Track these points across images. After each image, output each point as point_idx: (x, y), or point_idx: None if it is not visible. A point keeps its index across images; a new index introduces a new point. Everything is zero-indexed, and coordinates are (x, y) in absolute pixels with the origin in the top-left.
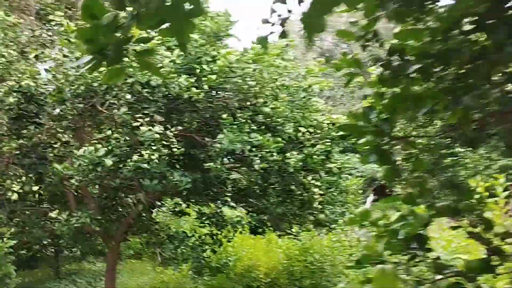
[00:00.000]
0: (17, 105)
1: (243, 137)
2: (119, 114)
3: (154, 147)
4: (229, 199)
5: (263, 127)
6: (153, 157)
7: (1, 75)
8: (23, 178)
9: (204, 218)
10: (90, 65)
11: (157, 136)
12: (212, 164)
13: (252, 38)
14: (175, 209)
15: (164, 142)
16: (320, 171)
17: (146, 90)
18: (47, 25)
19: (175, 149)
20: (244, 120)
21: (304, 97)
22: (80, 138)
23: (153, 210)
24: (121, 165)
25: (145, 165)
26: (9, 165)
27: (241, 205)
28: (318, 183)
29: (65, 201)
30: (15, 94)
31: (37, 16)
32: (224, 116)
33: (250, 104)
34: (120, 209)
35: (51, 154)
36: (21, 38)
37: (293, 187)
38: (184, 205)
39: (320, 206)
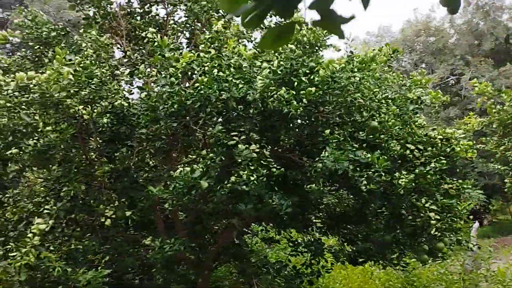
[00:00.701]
0: (110, 127)
1: (349, 155)
2: (213, 132)
3: (252, 167)
4: (322, 225)
5: (364, 144)
6: (251, 178)
7: (94, 97)
8: (116, 203)
9: (299, 246)
10: (250, 16)
11: (255, 155)
12: (313, 186)
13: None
14: (264, 236)
15: (262, 162)
16: (435, 193)
17: (240, 106)
18: (137, 44)
19: (274, 170)
20: (345, 137)
21: (412, 110)
22: (171, 160)
23: (245, 237)
24: (216, 187)
25: (244, 187)
26: (102, 190)
27: (335, 231)
28: (434, 207)
29: (154, 227)
30: (108, 115)
31: (127, 37)
32: (327, 132)
33: (353, 119)
34: (211, 236)
35: (143, 177)
36: (113, 58)
37: (403, 211)
38: (273, 232)
39: (438, 233)
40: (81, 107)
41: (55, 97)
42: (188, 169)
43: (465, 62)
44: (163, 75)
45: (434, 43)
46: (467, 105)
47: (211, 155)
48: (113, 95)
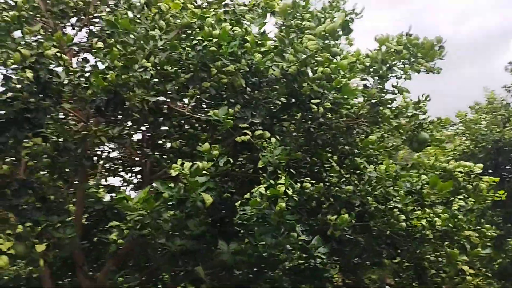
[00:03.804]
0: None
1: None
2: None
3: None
4: None
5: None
6: (289, 192)
7: None
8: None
9: None
10: None
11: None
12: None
13: None
14: None
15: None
16: (463, 240)
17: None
18: None
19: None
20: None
21: None
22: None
23: None
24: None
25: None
26: None
27: None
28: (465, 257)
29: None
30: None
31: None
32: None
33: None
34: None
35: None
36: None
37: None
38: None
39: None
40: None
41: None
42: (187, 164)
43: None
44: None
45: None
46: None
47: (215, 152)
48: None
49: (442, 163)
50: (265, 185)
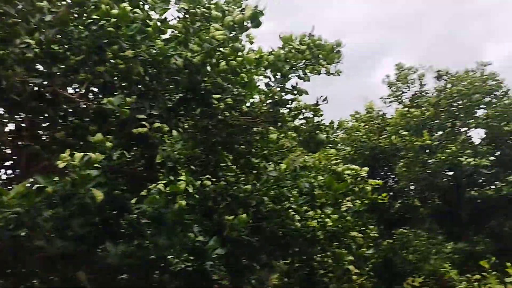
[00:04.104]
0: None
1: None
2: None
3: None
4: None
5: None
6: (190, 190)
7: None
8: None
9: None
10: None
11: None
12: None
13: None
14: None
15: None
16: (349, 241)
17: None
18: None
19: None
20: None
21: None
22: None
23: None
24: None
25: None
26: None
27: None
28: (351, 257)
29: None
30: None
31: None
32: None
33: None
34: None
35: None
36: None
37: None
38: None
39: None
40: None
41: None
42: (78, 155)
43: None
44: None
45: None
46: None
47: (108, 143)
48: None
49: (332, 165)
50: (164, 182)
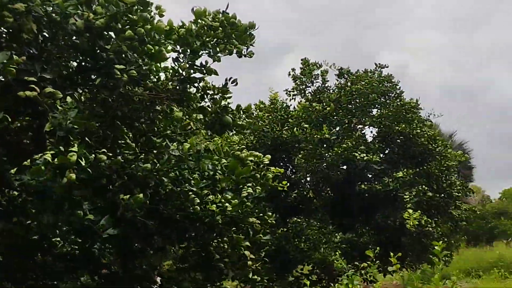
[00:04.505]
0: None
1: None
2: None
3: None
4: None
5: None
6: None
7: None
8: None
9: None
10: None
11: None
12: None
13: None
14: None
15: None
16: (247, 226)
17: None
18: None
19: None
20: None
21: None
22: None
23: None
24: None
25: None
26: None
27: None
28: (248, 243)
29: None
30: None
31: None
32: None
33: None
34: None
35: None
36: None
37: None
38: None
39: (257, 278)
40: None
41: None
42: None
43: None
44: None
45: None
46: None
47: None
48: None
49: (236, 150)
50: (52, 152)
